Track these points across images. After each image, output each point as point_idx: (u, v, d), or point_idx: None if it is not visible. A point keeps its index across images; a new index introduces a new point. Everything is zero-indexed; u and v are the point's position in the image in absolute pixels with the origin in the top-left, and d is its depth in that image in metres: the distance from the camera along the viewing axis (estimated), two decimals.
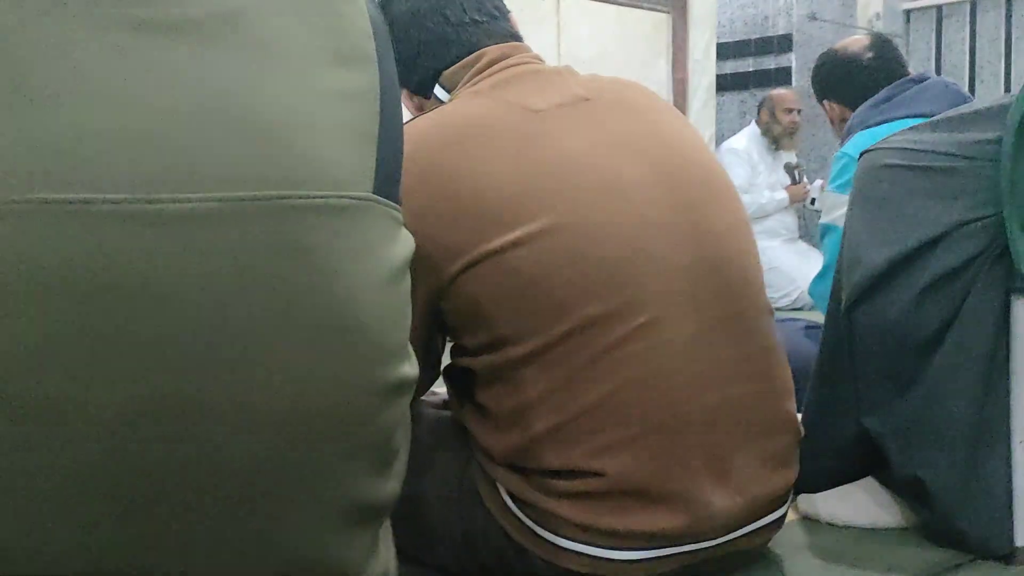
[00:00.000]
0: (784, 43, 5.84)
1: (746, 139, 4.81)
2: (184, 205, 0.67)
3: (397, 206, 0.82)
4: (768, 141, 4.76)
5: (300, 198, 0.71)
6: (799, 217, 4.98)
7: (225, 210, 0.68)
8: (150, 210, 0.66)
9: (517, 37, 1.36)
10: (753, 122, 4.86)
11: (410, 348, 0.82)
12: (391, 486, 0.83)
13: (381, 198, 0.78)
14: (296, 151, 0.72)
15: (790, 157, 4.87)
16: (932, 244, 1.37)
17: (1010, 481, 1.33)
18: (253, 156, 0.70)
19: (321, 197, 0.73)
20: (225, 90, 0.71)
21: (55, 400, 0.64)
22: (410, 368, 0.81)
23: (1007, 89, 4.84)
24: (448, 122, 1.19)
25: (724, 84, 5.71)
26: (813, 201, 4.70)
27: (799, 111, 4.76)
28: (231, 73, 0.71)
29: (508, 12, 1.40)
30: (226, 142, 0.69)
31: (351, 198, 0.75)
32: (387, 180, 0.80)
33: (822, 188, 4.60)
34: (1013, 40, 4.88)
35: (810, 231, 5.23)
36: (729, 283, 1.17)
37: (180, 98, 0.69)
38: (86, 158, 0.65)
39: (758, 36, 5.97)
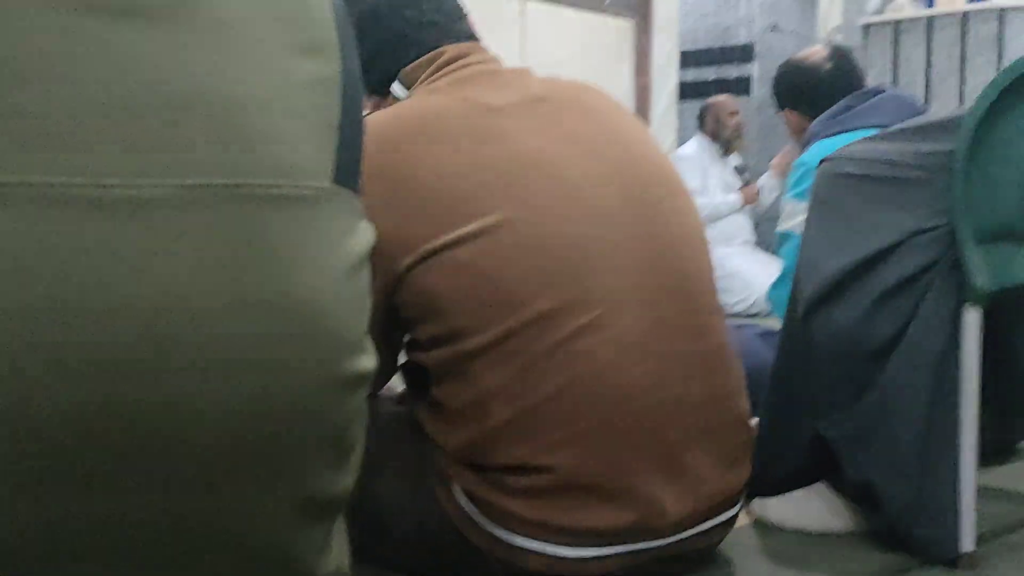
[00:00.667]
0: (746, 53, 5.89)
1: (694, 146, 4.87)
2: (135, 191, 0.66)
3: (357, 197, 0.81)
4: (718, 147, 4.83)
5: (258, 187, 0.70)
6: (754, 221, 5.04)
7: (179, 197, 0.67)
8: (98, 195, 0.64)
9: (475, 38, 1.37)
10: (698, 132, 4.93)
11: (368, 340, 0.82)
12: (346, 480, 0.82)
13: (341, 188, 0.77)
14: (255, 139, 0.71)
15: (737, 159, 4.94)
16: (887, 253, 1.39)
17: (958, 488, 1.34)
18: (210, 143, 0.69)
19: (280, 186, 0.72)
20: (183, 75, 0.70)
21: (6, 387, 0.62)
22: (368, 361, 0.81)
23: (961, 103, 4.92)
24: (406, 116, 1.18)
25: (686, 92, 5.74)
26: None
27: (738, 112, 4.86)
28: (190, 58, 0.70)
29: (467, 14, 1.40)
30: (183, 128, 0.68)
31: (310, 188, 0.74)
32: (347, 171, 0.79)
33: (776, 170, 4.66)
34: (968, 56, 4.96)
35: (765, 240, 5.29)
36: (681, 281, 1.18)
37: (134, 82, 0.67)
38: (35, 141, 0.63)
39: (720, 45, 6.02)
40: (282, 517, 0.75)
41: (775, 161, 4.82)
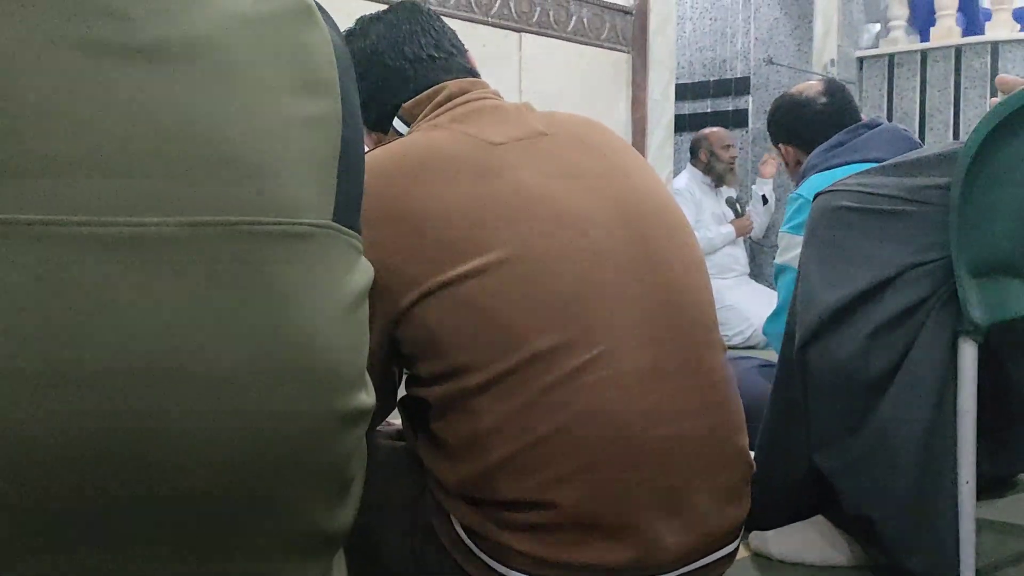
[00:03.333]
0: (741, 86, 5.93)
1: (686, 179, 4.89)
2: (139, 228, 0.66)
3: (357, 234, 0.81)
4: (711, 179, 4.86)
5: (259, 224, 0.71)
6: (748, 253, 5.06)
7: (181, 235, 0.67)
8: (103, 232, 0.65)
9: (475, 73, 1.38)
10: (689, 164, 4.96)
11: (367, 376, 0.82)
12: (345, 515, 0.82)
13: (341, 226, 0.78)
14: (256, 177, 0.72)
15: (729, 192, 4.97)
16: (883, 286, 1.39)
17: (957, 520, 1.34)
18: (212, 181, 0.70)
19: (280, 224, 0.72)
20: (185, 114, 0.70)
21: (4, 427, 0.62)
22: (367, 397, 0.81)
23: (955, 136, 4.95)
24: (407, 153, 1.19)
25: (682, 124, 5.77)
26: (765, 199, 4.80)
27: (734, 145, 4.89)
28: (192, 98, 0.71)
29: (466, 50, 1.41)
30: (184, 166, 0.69)
31: (311, 225, 0.74)
32: (347, 208, 0.80)
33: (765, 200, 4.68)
34: (962, 90, 4.99)
35: (762, 271, 5.30)
36: (683, 317, 1.18)
37: (135, 121, 0.68)
38: (39, 179, 0.64)
39: (716, 78, 6.06)
40: (281, 553, 0.75)
41: (761, 165, 4.86)
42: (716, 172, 4.83)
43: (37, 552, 0.65)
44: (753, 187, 4.98)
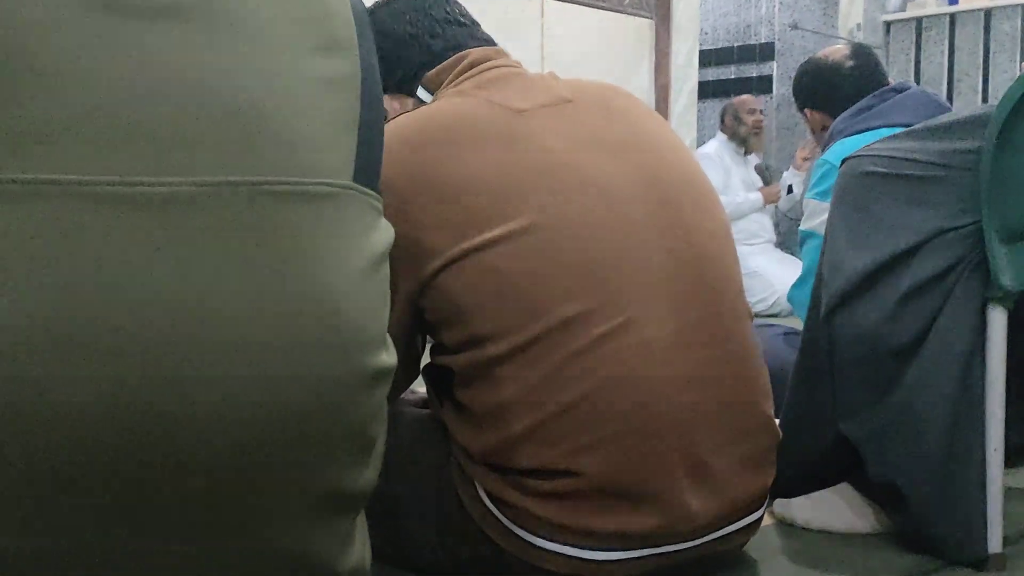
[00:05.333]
0: (766, 51, 5.87)
1: (716, 145, 4.87)
2: (161, 188, 0.66)
3: (377, 195, 0.81)
4: (736, 145, 4.83)
5: (279, 184, 0.71)
6: (774, 220, 5.03)
7: (203, 194, 0.68)
8: (126, 192, 0.65)
9: (495, 44, 1.37)
10: (719, 131, 4.93)
11: (388, 337, 0.82)
12: (368, 475, 0.82)
13: (361, 186, 0.78)
14: (276, 137, 0.72)
15: (758, 159, 4.93)
16: (911, 252, 1.38)
17: (984, 488, 1.33)
18: (232, 141, 0.70)
19: (300, 184, 0.72)
20: (205, 74, 0.70)
21: (26, 386, 0.62)
22: (388, 357, 0.81)
23: (984, 101, 4.89)
24: (432, 119, 1.18)
25: (706, 91, 5.73)
26: (790, 188, 4.76)
27: (761, 111, 4.84)
28: (211, 58, 0.71)
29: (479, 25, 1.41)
30: (205, 126, 0.69)
31: (331, 185, 0.75)
32: (367, 168, 0.80)
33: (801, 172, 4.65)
34: (991, 53, 4.92)
35: (786, 240, 5.27)
36: (708, 284, 1.17)
37: (159, 81, 0.68)
38: (60, 139, 0.64)
39: (740, 44, 6.00)
40: (304, 510, 0.76)
41: (796, 155, 4.81)
42: (740, 136, 4.81)
43: (60, 520, 0.65)
44: (784, 174, 4.94)
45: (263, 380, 0.70)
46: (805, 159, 4.76)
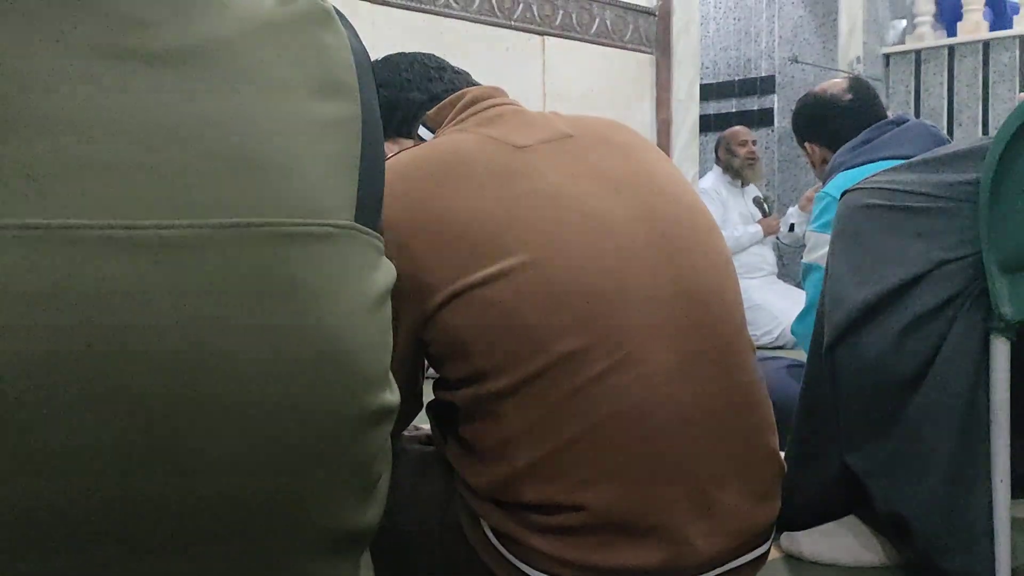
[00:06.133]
0: (767, 85, 5.91)
1: (712, 179, 4.88)
2: (168, 232, 0.67)
3: (379, 235, 0.82)
4: (731, 177, 4.84)
5: (279, 225, 0.72)
6: (776, 252, 5.03)
7: (208, 237, 0.68)
8: (133, 236, 0.66)
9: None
10: (715, 164, 4.95)
11: (391, 376, 0.82)
12: (372, 514, 0.82)
13: (363, 227, 0.79)
14: (279, 179, 0.73)
15: (756, 192, 4.94)
16: (912, 283, 1.38)
17: (992, 519, 1.33)
18: (236, 184, 0.70)
19: (302, 224, 0.73)
20: (208, 119, 0.71)
21: (29, 433, 0.63)
22: (391, 396, 0.81)
23: (984, 132, 4.90)
24: (432, 156, 1.19)
25: (707, 124, 5.76)
26: (792, 227, 4.77)
27: (754, 142, 4.86)
28: (210, 101, 0.72)
29: None
30: (209, 170, 0.70)
31: (332, 226, 0.75)
32: (369, 209, 0.80)
33: (805, 205, 4.65)
34: (990, 85, 4.95)
35: (788, 270, 5.27)
36: (710, 317, 1.17)
37: (163, 126, 0.69)
38: (68, 184, 0.65)
39: (741, 78, 6.04)
40: (309, 553, 0.76)
41: (804, 196, 4.81)
42: (734, 168, 4.83)
43: (58, 552, 0.65)
44: (788, 211, 4.94)
45: (265, 421, 0.70)
46: (811, 200, 4.77)
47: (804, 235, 2.38)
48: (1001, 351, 1.33)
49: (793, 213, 4.85)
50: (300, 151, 0.75)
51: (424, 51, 1.48)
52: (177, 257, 0.67)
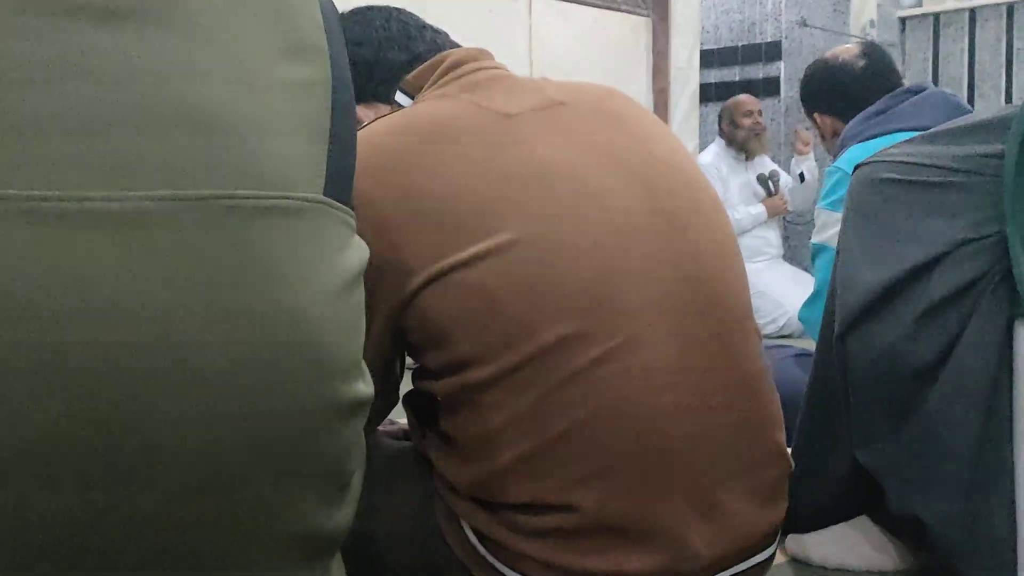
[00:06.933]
0: (772, 51, 5.91)
1: (713, 153, 4.88)
2: (117, 204, 0.66)
3: (350, 210, 0.81)
4: (735, 151, 4.84)
5: (245, 198, 0.71)
6: (782, 233, 5.04)
7: (162, 210, 0.67)
8: (74, 208, 0.65)
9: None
10: (718, 137, 4.95)
11: (364, 365, 0.82)
12: (344, 514, 0.82)
13: (333, 200, 0.78)
14: (241, 147, 0.72)
15: (762, 167, 4.94)
16: (931, 265, 1.38)
17: (1014, 521, 1.33)
18: (194, 151, 0.70)
19: (268, 197, 0.72)
20: (165, 80, 0.70)
21: None
22: (364, 386, 0.81)
23: (1008, 102, 4.92)
24: (411, 124, 1.18)
25: (708, 94, 5.76)
26: (802, 176, 4.79)
27: (759, 111, 4.86)
28: (172, 62, 0.71)
29: None
30: (165, 136, 0.69)
31: (301, 200, 0.74)
32: (339, 181, 0.80)
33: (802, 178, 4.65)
34: (1015, 51, 4.95)
35: (794, 252, 5.29)
36: (713, 302, 1.17)
37: (116, 88, 0.68)
38: (6, 152, 0.64)
39: (745, 43, 6.04)
40: (274, 554, 0.75)
41: (797, 138, 4.81)
42: (738, 141, 4.83)
43: (9, 555, 0.64)
44: (791, 163, 4.97)
45: (227, 412, 0.70)
46: (806, 143, 4.79)
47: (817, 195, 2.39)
48: None
49: (795, 164, 4.86)
50: (264, 117, 0.74)
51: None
52: (128, 231, 0.66)
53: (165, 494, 0.68)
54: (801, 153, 4.91)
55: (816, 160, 4.98)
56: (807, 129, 4.62)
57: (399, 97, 1.34)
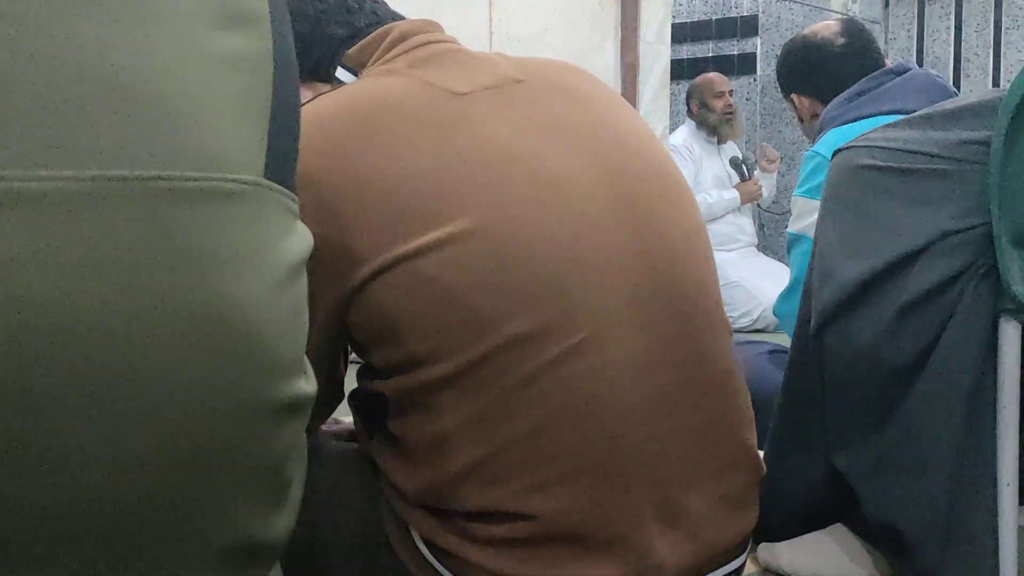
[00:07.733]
0: (748, 26, 5.94)
1: (684, 134, 4.89)
2: (35, 184, 0.65)
3: (292, 194, 0.81)
4: (706, 133, 4.86)
5: (177, 180, 0.70)
6: (757, 222, 5.07)
7: (84, 191, 0.67)
8: None
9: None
10: (687, 117, 4.96)
11: (306, 361, 0.81)
12: (283, 522, 0.81)
13: (274, 184, 0.77)
14: (173, 124, 0.71)
15: (735, 150, 4.97)
16: (912, 257, 1.39)
17: (995, 528, 1.35)
18: (120, 128, 0.69)
19: (203, 180, 0.71)
20: (89, 51, 0.69)
21: None
22: (306, 384, 0.80)
23: (995, 84, 4.98)
24: (355, 103, 1.18)
25: (680, 71, 5.77)
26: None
27: (730, 92, 4.87)
28: (96, 32, 0.70)
29: None
30: (88, 112, 0.68)
31: (239, 182, 0.74)
32: (281, 163, 0.79)
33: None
34: (1003, 30, 5.02)
35: (769, 241, 5.32)
36: (681, 295, 1.18)
37: (34, 60, 0.67)
38: None
39: (719, 17, 6.06)
40: (207, 568, 0.75)
41: (762, 155, 4.84)
42: (709, 125, 4.84)
43: None
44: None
45: (154, 413, 0.69)
46: (772, 161, 4.81)
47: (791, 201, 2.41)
48: (1011, 336, 1.35)
49: (760, 176, 4.88)
50: (198, 91, 0.73)
51: None
52: (49, 213, 0.65)
53: (77, 500, 0.67)
54: (765, 171, 4.93)
55: (794, 143, 5.01)
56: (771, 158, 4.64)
57: (341, 74, 1.33)
